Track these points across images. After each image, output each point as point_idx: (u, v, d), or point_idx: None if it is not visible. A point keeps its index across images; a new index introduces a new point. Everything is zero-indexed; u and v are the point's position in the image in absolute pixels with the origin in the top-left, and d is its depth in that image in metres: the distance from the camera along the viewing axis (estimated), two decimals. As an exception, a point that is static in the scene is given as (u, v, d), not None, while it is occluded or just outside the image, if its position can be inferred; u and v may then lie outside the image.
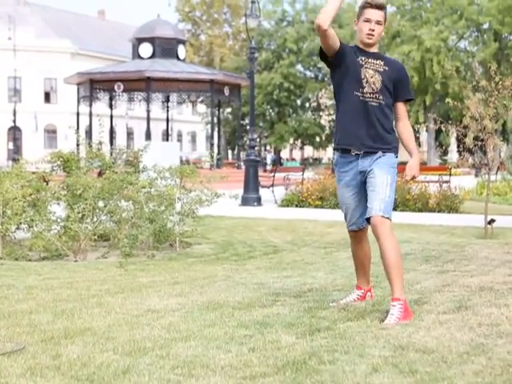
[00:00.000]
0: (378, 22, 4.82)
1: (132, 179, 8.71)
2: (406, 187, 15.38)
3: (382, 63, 4.88)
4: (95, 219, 8.56)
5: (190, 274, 6.88)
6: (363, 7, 4.84)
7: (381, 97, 4.84)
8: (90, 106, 35.80)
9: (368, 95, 4.83)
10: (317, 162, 77.57)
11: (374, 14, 4.79)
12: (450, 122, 11.53)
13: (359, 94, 4.84)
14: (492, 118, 10.47)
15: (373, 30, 4.80)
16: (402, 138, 4.98)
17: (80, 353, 3.89)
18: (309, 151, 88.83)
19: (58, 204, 8.78)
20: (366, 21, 4.80)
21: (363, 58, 4.86)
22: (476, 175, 34.13)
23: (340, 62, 4.87)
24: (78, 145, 10.09)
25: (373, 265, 7.15)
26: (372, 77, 4.83)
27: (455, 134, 11.77)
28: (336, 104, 5.06)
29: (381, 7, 4.81)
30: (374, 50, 4.93)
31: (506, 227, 11.10)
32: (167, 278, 6.63)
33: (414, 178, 4.88)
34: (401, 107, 4.98)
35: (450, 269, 6.82)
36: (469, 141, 10.82)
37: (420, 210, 14.99)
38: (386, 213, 4.70)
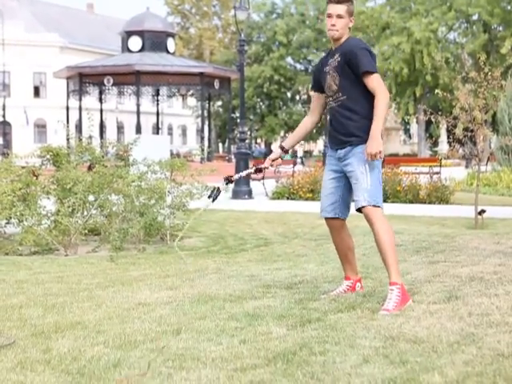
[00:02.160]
0: (338, 16, 4.89)
1: (122, 173, 8.68)
2: (396, 179, 15.42)
3: (337, 55, 4.91)
4: (85, 213, 8.54)
5: (181, 267, 6.88)
6: (327, 3, 4.98)
7: (340, 93, 4.90)
8: (80, 100, 35.72)
9: (332, 99, 4.99)
10: (307, 154, 77.63)
11: (332, 9, 4.91)
12: (440, 113, 11.55)
13: (328, 101, 5.05)
14: (482, 108, 10.50)
15: (333, 25, 4.89)
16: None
17: (70, 346, 3.88)
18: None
19: (48, 198, 8.75)
20: (328, 16, 4.94)
21: (328, 62, 5.01)
22: (466, 166, 34.28)
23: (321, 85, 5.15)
24: (67, 139, 10.05)
25: (363, 256, 7.20)
26: (332, 77, 4.94)
27: (445, 125, 11.78)
28: None
29: (340, 1, 4.89)
30: (340, 42, 4.94)
31: (496, 218, 11.14)
32: (158, 272, 6.62)
33: (373, 156, 4.62)
34: (366, 82, 4.80)
35: (440, 259, 6.84)
36: (459, 132, 10.85)
37: (411, 202, 15.03)
38: (372, 201, 4.74)
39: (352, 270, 5.28)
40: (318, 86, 5.15)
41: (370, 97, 4.82)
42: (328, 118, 5.20)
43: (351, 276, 5.28)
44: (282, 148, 5.29)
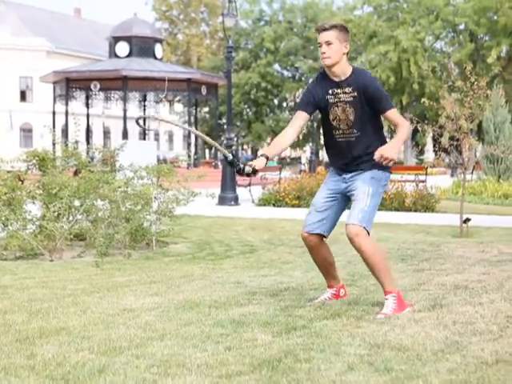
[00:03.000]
0: (327, 43, 4.80)
1: (108, 178, 8.66)
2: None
3: (350, 90, 4.80)
4: (71, 218, 8.51)
5: (167, 274, 6.87)
6: (317, 34, 4.92)
7: (355, 130, 4.83)
8: (66, 104, 35.59)
9: (342, 133, 4.88)
10: (294, 161, 77.72)
11: (321, 37, 4.83)
12: (426, 121, 11.63)
13: (336, 133, 4.92)
14: (467, 117, 10.56)
15: (324, 53, 4.81)
16: None
17: (55, 352, 3.86)
18: (286, 151, 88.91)
19: (34, 203, 8.72)
20: (319, 46, 4.88)
21: (334, 91, 4.86)
22: (452, 175, 34.45)
23: (316, 109, 5.01)
24: (53, 144, 10.02)
25: (349, 264, 7.22)
26: (343, 111, 4.84)
27: (431, 134, 11.85)
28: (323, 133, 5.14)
29: (325, 29, 4.82)
30: (343, 73, 4.83)
31: (481, 226, 11.20)
32: (143, 277, 6.61)
33: (384, 159, 4.52)
34: (388, 117, 4.83)
35: (425, 267, 6.86)
36: (444, 140, 10.90)
37: (396, 209, 15.07)
38: (362, 222, 4.68)
39: (333, 278, 5.28)
40: (310, 109, 4.95)
41: (378, 130, 4.92)
42: (332, 149, 5.01)
43: (334, 284, 5.29)
44: (266, 158, 4.83)
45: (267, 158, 4.83)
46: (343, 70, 4.84)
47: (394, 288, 4.80)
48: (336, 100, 4.86)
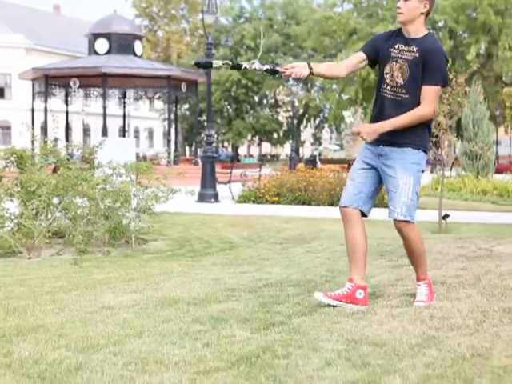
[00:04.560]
0: None
1: (87, 176, 8.62)
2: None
3: (414, 49, 4.68)
4: (50, 216, 8.46)
5: (146, 271, 6.85)
6: None
7: (404, 90, 4.69)
8: (46, 101, 35.34)
9: (390, 89, 4.75)
10: (274, 158, 77.84)
11: None
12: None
13: (384, 88, 4.80)
14: (446, 114, 10.61)
15: (399, 8, 4.72)
16: None
17: (32, 350, 3.84)
18: (266, 148, 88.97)
19: (12, 201, 8.65)
20: (398, 0, 4.77)
21: (400, 47, 4.76)
22: (431, 171, 34.59)
23: (375, 55, 4.88)
24: (32, 141, 9.96)
25: (328, 260, 7.24)
26: (400, 68, 4.72)
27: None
28: None
29: None
30: (415, 32, 4.72)
31: (460, 222, 11.27)
32: (122, 275, 6.59)
33: (357, 133, 4.52)
34: (422, 89, 4.63)
35: (404, 263, 6.89)
36: (423, 137, 10.93)
37: (375, 206, 15.05)
38: (408, 216, 4.75)
39: (357, 271, 4.89)
40: (369, 53, 4.87)
41: None
42: (376, 105, 4.85)
43: (355, 279, 4.88)
44: (310, 68, 4.81)
45: (311, 70, 4.80)
46: (417, 30, 4.73)
47: (426, 276, 4.99)
48: (398, 55, 4.75)
